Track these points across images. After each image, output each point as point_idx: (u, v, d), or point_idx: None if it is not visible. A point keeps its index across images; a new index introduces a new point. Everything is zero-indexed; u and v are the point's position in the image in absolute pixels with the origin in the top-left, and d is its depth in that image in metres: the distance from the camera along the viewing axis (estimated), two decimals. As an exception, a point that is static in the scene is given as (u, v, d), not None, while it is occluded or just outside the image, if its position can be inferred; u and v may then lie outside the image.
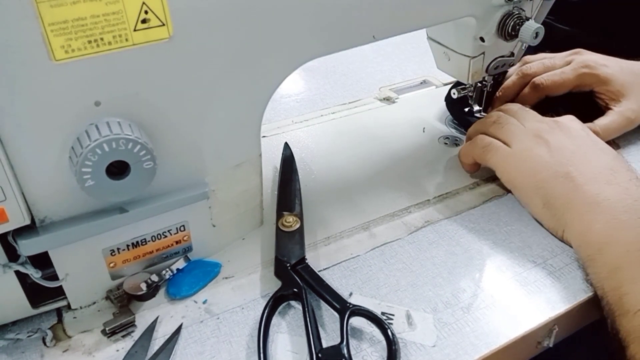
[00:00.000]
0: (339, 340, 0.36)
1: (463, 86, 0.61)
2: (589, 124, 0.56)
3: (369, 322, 0.39)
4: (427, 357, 0.37)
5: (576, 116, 0.55)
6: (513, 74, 0.63)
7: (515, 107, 0.55)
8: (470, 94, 0.61)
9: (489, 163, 0.52)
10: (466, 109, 0.63)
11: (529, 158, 0.49)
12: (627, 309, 0.38)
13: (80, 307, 0.40)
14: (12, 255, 0.35)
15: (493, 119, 0.53)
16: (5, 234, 0.34)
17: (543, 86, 0.59)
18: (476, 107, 0.63)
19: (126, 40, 0.31)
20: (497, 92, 0.63)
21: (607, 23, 0.79)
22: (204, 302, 0.41)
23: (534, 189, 0.48)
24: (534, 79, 0.60)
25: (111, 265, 0.40)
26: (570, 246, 0.46)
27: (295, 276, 0.41)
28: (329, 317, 0.40)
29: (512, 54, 0.57)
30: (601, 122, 0.57)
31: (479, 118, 0.62)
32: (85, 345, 0.38)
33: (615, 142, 0.58)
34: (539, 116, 0.53)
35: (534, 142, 0.49)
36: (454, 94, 0.61)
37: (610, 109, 0.58)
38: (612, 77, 0.58)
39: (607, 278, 0.40)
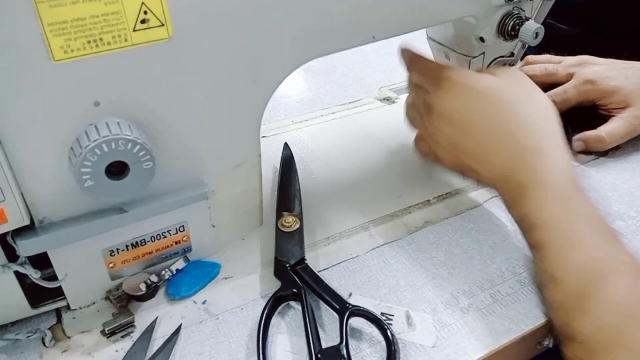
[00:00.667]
0: (338, 340, 0.36)
1: None
2: (593, 131, 0.56)
3: (369, 323, 0.39)
4: (427, 358, 0.37)
5: (583, 127, 0.55)
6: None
7: (418, 61, 0.51)
8: None
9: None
10: None
11: (441, 146, 0.47)
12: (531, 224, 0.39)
13: (80, 308, 0.40)
14: (12, 255, 0.35)
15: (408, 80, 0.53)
16: (5, 234, 0.34)
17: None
18: None
19: (125, 40, 0.31)
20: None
21: (607, 23, 0.79)
22: (204, 303, 0.41)
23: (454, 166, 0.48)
24: None
25: (110, 265, 0.40)
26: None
27: (295, 276, 0.41)
28: (328, 317, 0.40)
29: (512, 54, 0.57)
30: (606, 128, 0.56)
31: None
32: (85, 346, 0.38)
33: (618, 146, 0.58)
34: (443, 77, 0.46)
35: (437, 125, 0.47)
36: None
37: (614, 116, 0.57)
38: (616, 89, 0.57)
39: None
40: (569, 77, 0.60)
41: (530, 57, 0.64)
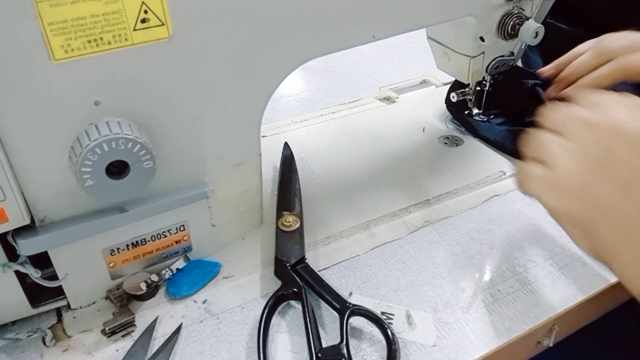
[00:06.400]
0: (338, 340, 0.36)
1: (462, 90, 0.61)
2: None
3: (369, 322, 0.39)
4: (427, 357, 0.37)
5: None
6: (586, 53, 0.54)
7: (562, 111, 0.38)
8: (469, 97, 0.61)
9: (533, 195, 0.38)
10: (466, 112, 0.63)
11: (567, 181, 0.36)
12: None
13: (80, 307, 0.40)
14: (12, 255, 0.35)
15: (531, 137, 0.39)
16: (5, 234, 0.34)
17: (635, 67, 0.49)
18: (475, 111, 0.62)
19: (126, 40, 0.31)
20: (563, 72, 0.55)
21: (607, 22, 0.79)
22: (204, 302, 0.41)
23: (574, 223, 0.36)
24: (624, 59, 0.50)
25: (111, 265, 0.40)
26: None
27: (295, 276, 0.41)
28: (328, 316, 0.40)
29: (512, 54, 0.57)
30: None
31: (479, 120, 0.62)
32: (85, 345, 0.38)
33: None
34: (587, 115, 0.36)
35: (578, 164, 0.35)
36: (453, 97, 0.61)
37: None
38: None
39: None
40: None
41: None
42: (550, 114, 0.38)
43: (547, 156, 0.37)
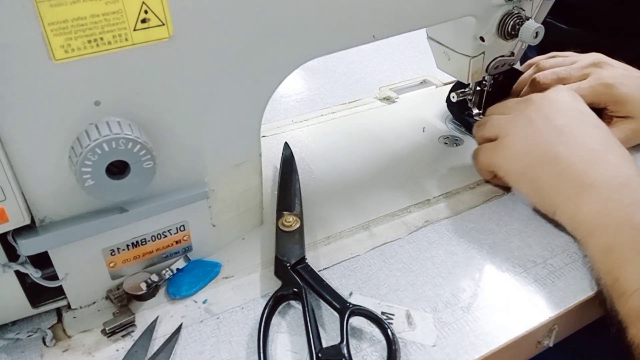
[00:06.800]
0: (339, 340, 0.36)
1: (462, 90, 0.61)
2: None
3: (369, 322, 0.39)
4: (427, 357, 0.37)
5: None
6: (525, 78, 0.61)
7: (496, 105, 0.55)
8: (469, 97, 0.61)
9: (485, 165, 0.52)
10: (466, 112, 0.63)
11: (513, 144, 0.48)
12: (623, 291, 0.37)
13: (80, 307, 0.40)
14: (12, 255, 0.35)
15: (477, 124, 0.54)
16: (5, 234, 0.34)
17: None
18: (475, 111, 0.62)
19: (126, 40, 0.31)
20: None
21: (607, 22, 0.79)
22: (204, 302, 0.41)
23: (520, 175, 0.47)
24: None
25: (111, 265, 0.40)
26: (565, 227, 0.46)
27: (295, 276, 0.41)
28: (328, 316, 0.40)
29: (512, 54, 0.57)
30: None
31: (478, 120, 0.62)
32: (85, 345, 0.38)
33: None
34: (522, 98, 0.52)
35: (519, 126, 0.48)
36: (453, 97, 0.61)
37: (612, 123, 0.56)
38: (628, 99, 0.55)
39: (601, 260, 0.40)
40: (584, 77, 0.58)
41: (542, 63, 0.62)
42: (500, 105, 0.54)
43: (494, 130, 0.50)
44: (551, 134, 0.46)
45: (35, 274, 0.36)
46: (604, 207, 0.41)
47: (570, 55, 0.62)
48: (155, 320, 0.39)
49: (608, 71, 0.57)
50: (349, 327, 0.37)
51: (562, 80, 0.58)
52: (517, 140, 0.48)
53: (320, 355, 0.36)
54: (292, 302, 0.41)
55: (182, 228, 0.42)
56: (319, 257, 0.45)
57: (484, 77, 0.59)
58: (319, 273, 0.42)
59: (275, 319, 0.39)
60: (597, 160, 0.44)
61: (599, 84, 0.56)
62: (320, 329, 0.38)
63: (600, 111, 0.57)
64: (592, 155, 0.44)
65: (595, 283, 0.41)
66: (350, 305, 0.38)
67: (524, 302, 0.41)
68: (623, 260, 0.38)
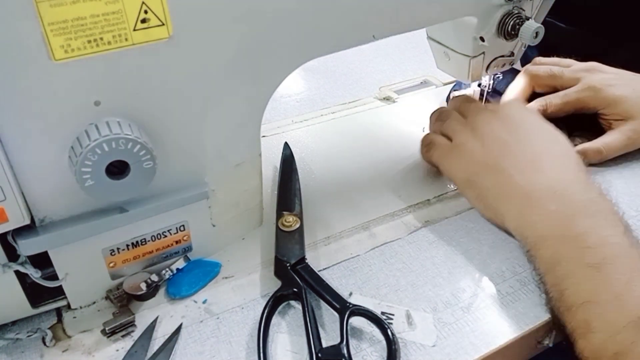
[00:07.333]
0: (338, 340, 0.36)
1: (462, 90, 0.61)
2: (591, 143, 0.55)
3: (369, 322, 0.39)
4: (427, 357, 0.37)
5: (582, 135, 0.54)
6: (521, 75, 0.61)
7: (460, 99, 0.56)
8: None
9: (432, 160, 0.53)
10: None
11: (463, 152, 0.49)
12: (570, 304, 0.37)
13: (80, 307, 0.40)
14: (12, 255, 0.35)
15: (436, 115, 0.55)
16: (5, 234, 0.34)
17: (543, 109, 0.57)
18: None
19: (126, 40, 0.31)
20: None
21: (607, 23, 0.79)
22: (204, 302, 0.41)
23: (466, 182, 0.48)
24: (538, 104, 0.58)
25: (111, 265, 0.40)
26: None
27: (295, 276, 0.41)
28: (328, 317, 0.40)
29: (512, 54, 0.57)
30: (603, 140, 0.55)
31: None
32: (85, 345, 0.38)
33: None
34: (481, 106, 0.53)
35: (470, 136, 0.49)
36: (453, 97, 0.61)
37: (612, 128, 0.56)
38: (619, 100, 0.55)
39: (547, 273, 0.40)
40: (575, 82, 0.58)
41: (538, 59, 0.62)
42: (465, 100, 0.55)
43: (449, 132, 0.51)
44: (497, 147, 0.47)
45: (35, 274, 0.36)
46: (546, 219, 0.41)
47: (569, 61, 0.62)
48: (155, 321, 0.39)
49: (598, 76, 0.57)
50: (348, 327, 0.37)
51: (554, 77, 0.59)
52: (466, 151, 0.49)
53: (320, 355, 0.36)
54: (292, 302, 0.41)
55: (182, 228, 0.42)
56: (318, 257, 0.45)
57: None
58: (318, 273, 0.42)
59: (275, 319, 0.39)
60: (537, 169, 0.44)
61: (585, 88, 0.57)
62: (320, 329, 0.38)
63: (595, 117, 0.57)
64: (532, 165, 0.45)
65: (545, 296, 0.40)
66: (350, 305, 0.38)
67: (524, 301, 0.41)
68: (568, 273, 0.38)
